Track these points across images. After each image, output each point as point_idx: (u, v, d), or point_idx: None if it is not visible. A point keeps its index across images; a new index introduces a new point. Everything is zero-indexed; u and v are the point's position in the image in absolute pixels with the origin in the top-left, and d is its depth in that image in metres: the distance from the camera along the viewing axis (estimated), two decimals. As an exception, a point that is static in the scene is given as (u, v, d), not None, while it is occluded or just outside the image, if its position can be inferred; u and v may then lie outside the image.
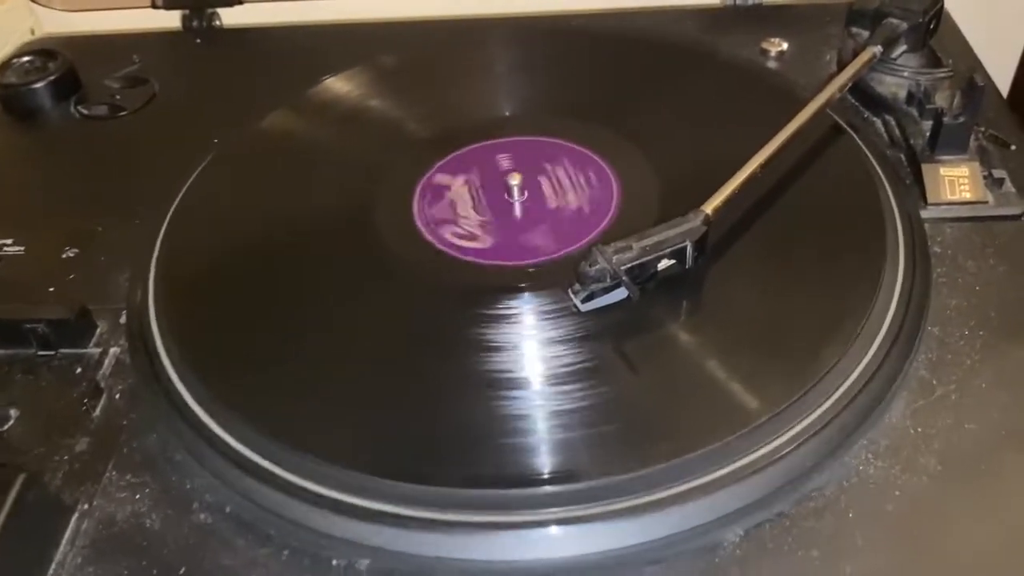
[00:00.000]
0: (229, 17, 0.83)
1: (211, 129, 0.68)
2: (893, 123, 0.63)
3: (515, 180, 0.58)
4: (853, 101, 0.65)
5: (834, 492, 0.44)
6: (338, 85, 0.69)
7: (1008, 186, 0.57)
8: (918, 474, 0.44)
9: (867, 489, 0.44)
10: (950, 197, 0.57)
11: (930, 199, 0.57)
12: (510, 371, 0.48)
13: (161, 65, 0.78)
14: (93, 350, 0.53)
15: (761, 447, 0.43)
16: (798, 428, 0.44)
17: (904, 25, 0.63)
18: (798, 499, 0.43)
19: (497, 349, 0.49)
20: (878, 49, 0.61)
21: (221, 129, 0.67)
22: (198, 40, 0.82)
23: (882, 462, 0.45)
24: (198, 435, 0.47)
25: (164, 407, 0.49)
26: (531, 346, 0.49)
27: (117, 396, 0.51)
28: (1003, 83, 0.86)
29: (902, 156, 0.61)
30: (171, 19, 0.83)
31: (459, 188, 0.60)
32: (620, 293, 0.50)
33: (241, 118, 0.67)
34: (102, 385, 0.51)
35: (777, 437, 0.44)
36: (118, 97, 0.74)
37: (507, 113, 0.66)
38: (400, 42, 0.76)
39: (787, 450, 0.44)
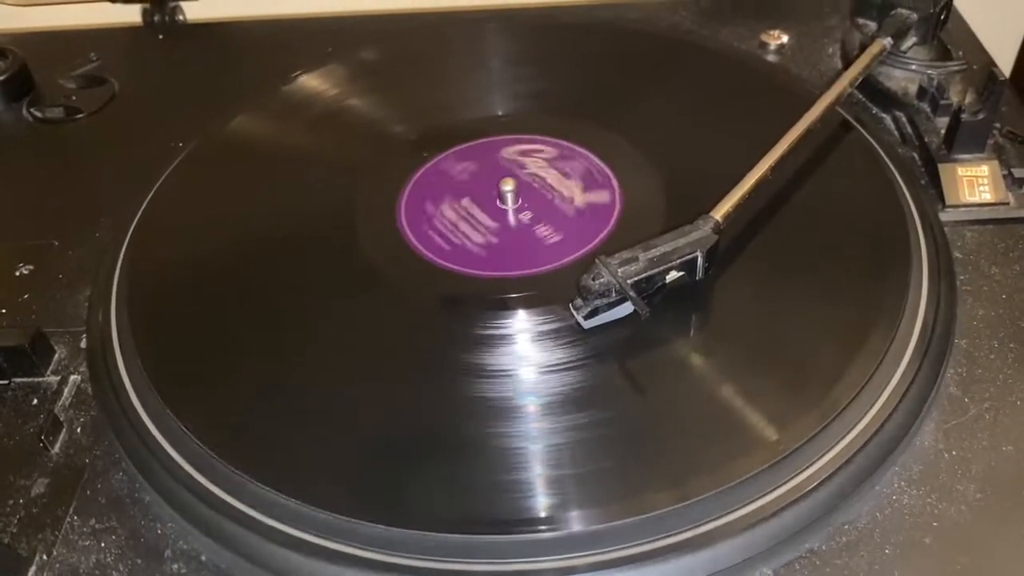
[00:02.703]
0: (193, 11, 0.79)
1: (175, 132, 0.64)
2: (904, 120, 0.59)
3: (508, 186, 0.54)
4: (860, 97, 0.62)
5: (867, 525, 0.41)
6: (314, 82, 0.64)
7: (1029, 186, 0.54)
8: (956, 503, 0.41)
9: (902, 520, 0.41)
10: (969, 198, 0.54)
11: (948, 201, 0.54)
12: (504, 397, 0.44)
13: (121, 63, 0.73)
14: (51, 378, 0.49)
15: (787, 481, 0.40)
16: (827, 458, 0.41)
17: (914, 16, 0.59)
18: (829, 534, 0.41)
19: (491, 374, 0.45)
20: (888, 41, 0.58)
21: (186, 132, 0.63)
22: (160, 36, 0.78)
23: (917, 490, 0.42)
24: (169, 473, 0.43)
25: (131, 442, 0.45)
26: (528, 370, 0.45)
27: (78, 430, 0.47)
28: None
29: (915, 155, 0.58)
30: (131, 13, 0.79)
31: (447, 195, 0.55)
32: (625, 308, 0.46)
33: (207, 120, 0.63)
34: (61, 418, 0.48)
35: (804, 469, 0.40)
36: (75, 98, 0.70)
37: (498, 112, 0.62)
38: (377, 36, 0.72)
39: (815, 483, 0.40)
